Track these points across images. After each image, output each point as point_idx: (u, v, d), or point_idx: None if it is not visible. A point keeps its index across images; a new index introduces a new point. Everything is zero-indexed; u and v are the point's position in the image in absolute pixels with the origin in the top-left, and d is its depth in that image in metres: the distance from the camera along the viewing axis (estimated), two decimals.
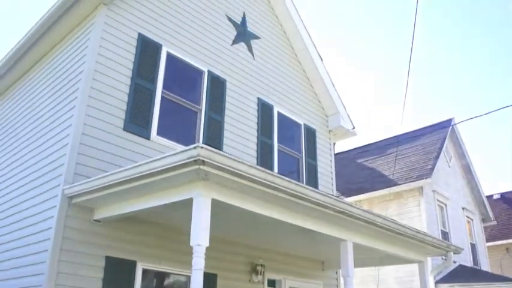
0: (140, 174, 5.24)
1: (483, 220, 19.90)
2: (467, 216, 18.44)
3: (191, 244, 4.81)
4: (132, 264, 6.74)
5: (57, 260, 6.05)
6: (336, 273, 10.43)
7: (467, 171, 19.34)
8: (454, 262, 10.05)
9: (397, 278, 14.62)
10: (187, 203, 5.04)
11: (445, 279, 14.48)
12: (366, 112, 50.34)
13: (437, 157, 16.41)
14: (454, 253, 9.30)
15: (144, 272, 6.89)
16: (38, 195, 7.04)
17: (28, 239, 6.82)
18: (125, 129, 7.22)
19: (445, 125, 17.95)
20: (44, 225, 6.48)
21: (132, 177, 5.36)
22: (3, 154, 9.09)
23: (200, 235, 4.78)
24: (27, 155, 7.99)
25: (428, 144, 17.41)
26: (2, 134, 9.61)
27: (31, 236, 6.75)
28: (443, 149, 17.13)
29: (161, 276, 7.33)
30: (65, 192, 6.30)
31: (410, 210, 15.33)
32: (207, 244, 4.81)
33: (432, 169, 15.67)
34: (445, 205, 16.80)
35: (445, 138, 17.37)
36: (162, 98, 7.89)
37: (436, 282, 14.18)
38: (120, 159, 6.94)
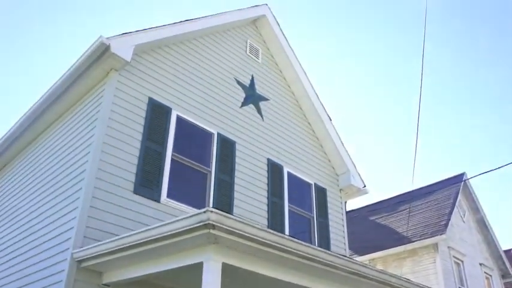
0: (150, 239, 5.23)
1: (502, 276, 19.39)
2: (485, 272, 17.99)
3: None
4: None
5: None
6: None
7: (483, 226, 19.04)
8: None
9: None
10: (198, 267, 5.00)
11: None
12: (377, 171, 50.28)
13: (450, 212, 16.22)
14: None
15: None
16: (46, 259, 7.01)
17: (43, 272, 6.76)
18: (135, 192, 7.27)
19: (457, 180, 17.85)
20: None
21: (141, 241, 5.35)
22: (11, 219, 9.11)
23: None
24: (36, 220, 8.02)
25: (441, 199, 17.26)
26: (10, 199, 9.66)
27: None
28: (457, 204, 16.96)
29: None
30: (74, 256, 6.28)
31: (425, 267, 15.01)
32: None
33: (446, 225, 15.45)
34: (462, 261, 16.43)
35: (457, 193, 17.22)
36: (172, 160, 7.97)
37: None
38: (130, 222, 6.94)
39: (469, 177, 17.82)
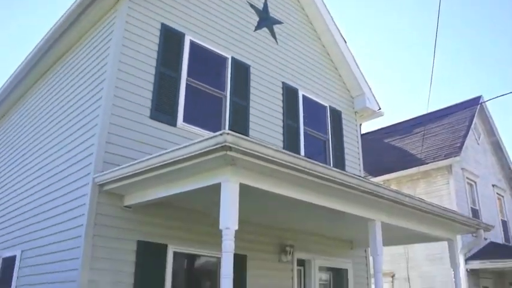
0: (168, 161, 5.35)
1: None
2: (497, 193, 18.21)
3: (220, 228, 4.91)
4: (163, 248, 6.91)
5: (91, 245, 6.24)
6: (365, 251, 10.49)
7: (497, 148, 19.06)
8: (485, 239, 10.01)
9: (427, 255, 14.58)
10: (216, 188, 5.13)
11: (475, 256, 14.39)
12: (392, 93, 49.77)
13: (465, 135, 16.21)
14: (485, 230, 9.24)
15: (175, 254, 7.05)
16: (69, 184, 7.23)
17: (63, 225, 7.03)
18: (152, 117, 7.35)
19: (474, 103, 17.68)
20: (77, 212, 6.68)
21: (160, 164, 5.47)
22: (32, 150, 9.29)
23: (229, 219, 4.88)
24: (55, 148, 8.18)
25: (457, 122, 17.19)
26: (28, 133, 9.82)
27: (65, 223, 6.96)
28: (472, 126, 16.90)
29: (192, 258, 7.51)
30: (95, 180, 6.46)
31: (439, 188, 15.23)
32: (236, 227, 4.91)
33: (461, 147, 15.49)
34: (475, 183, 16.61)
35: (473, 116, 17.12)
36: (187, 85, 7.98)
37: (467, 259, 14.11)
38: (147, 147, 7.07)
39: (485, 100, 17.63)
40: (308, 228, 8.83)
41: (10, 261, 8.57)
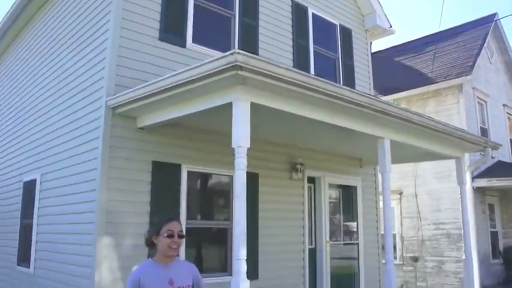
0: (179, 82, 5.40)
1: None
2: (508, 113, 18.16)
3: (233, 146, 5.04)
4: (177, 168, 7.12)
5: (107, 167, 6.44)
6: (374, 169, 10.72)
7: (510, 67, 18.78)
8: (493, 158, 10.15)
9: (435, 173, 14.83)
10: (228, 108, 5.21)
11: (483, 174, 14.62)
12: (404, 11, 48.36)
13: (478, 53, 15.93)
14: (493, 149, 9.36)
15: (189, 174, 7.29)
16: (83, 108, 7.32)
17: (79, 148, 7.21)
18: (161, 39, 7.32)
19: (488, 21, 17.21)
20: (92, 136, 6.83)
21: (171, 85, 5.53)
22: (45, 77, 9.28)
23: (241, 137, 4.99)
24: (67, 72, 8.18)
25: (469, 40, 16.84)
26: (40, 58, 9.78)
27: (81, 146, 7.13)
28: (485, 45, 16.56)
29: (205, 177, 7.76)
30: (108, 103, 6.55)
31: (449, 108, 15.20)
32: (248, 145, 5.03)
33: (473, 66, 15.28)
34: (485, 102, 16.54)
35: (487, 34, 16.73)
36: (195, 5, 7.86)
37: (474, 177, 14.35)
38: (158, 69, 7.09)
39: (500, 17, 17.16)
40: (318, 146, 9.00)
41: (31, 185, 8.88)
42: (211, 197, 8.06)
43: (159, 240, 3.26)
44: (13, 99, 10.90)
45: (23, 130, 9.92)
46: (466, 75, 14.99)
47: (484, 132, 15.96)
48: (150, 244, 3.34)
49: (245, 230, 4.91)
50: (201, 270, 7.22)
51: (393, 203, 10.46)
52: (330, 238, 9.39)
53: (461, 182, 9.03)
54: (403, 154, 8.96)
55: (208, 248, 7.83)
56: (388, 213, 6.96)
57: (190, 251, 7.16)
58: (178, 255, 3.43)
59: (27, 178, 9.22)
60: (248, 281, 4.84)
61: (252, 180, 7.71)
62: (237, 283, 4.79)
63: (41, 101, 9.09)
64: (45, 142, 8.59)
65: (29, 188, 8.96)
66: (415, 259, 15.11)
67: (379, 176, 10.78)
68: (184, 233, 3.37)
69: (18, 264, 9.13)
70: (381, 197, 10.75)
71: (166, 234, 3.24)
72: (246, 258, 4.88)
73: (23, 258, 8.88)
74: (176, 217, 3.66)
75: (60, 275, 7.23)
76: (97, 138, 6.65)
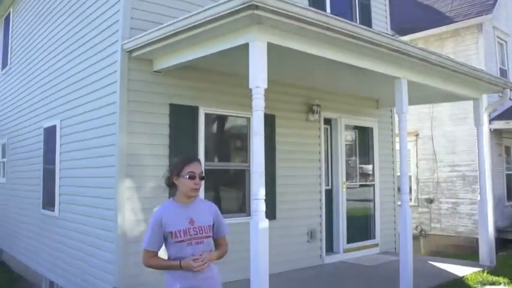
0: (195, 24, 5.36)
1: None
2: None
3: (250, 87, 5.05)
4: (195, 110, 7.19)
5: (126, 111, 6.51)
6: (390, 111, 10.71)
7: None
8: (511, 99, 10.02)
9: (451, 115, 14.73)
10: (244, 49, 5.18)
11: (500, 116, 14.49)
12: None
13: None
14: (511, 90, 9.24)
15: (207, 116, 7.37)
16: (99, 53, 7.32)
17: (97, 93, 7.27)
18: None
19: None
20: (109, 80, 6.86)
21: (187, 27, 5.49)
22: (60, 24, 9.19)
23: (258, 77, 4.99)
24: (82, 16, 8.12)
25: None
26: (54, 5, 9.71)
27: (99, 91, 7.19)
28: None
29: (223, 119, 7.85)
30: (124, 47, 6.54)
31: (467, 48, 14.89)
32: (265, 86, 5.04)
33: (494, 4, 14.83)
34: (505, 42, 16.17)
35: None
36: None
37: (491, 120, 14.23)
38: (173, 11, 6.99)
39: None
40: (335, 87, 8.98)
41: (51, 131, 9.02)
42: (228, 139, 8.16)
43: (180, 181, 3.30)
44: (30, 43, 10.91)
45: (41, 76, 9.98)
46: (486, 14, 14.59)
47: (503, 73, 15.70)
48: (171, 184, 3.38)
49: (263, 170, 5.00)
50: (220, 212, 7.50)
51: (409, 145, 10.46)
52: (346, 179, 9.51)
53: (478, 123, 8.99)
54: (420, 95, 8.91)
55: (227, 189, 8.01)
56: (404, 154, 6.99)
57: (209, 192, 7.31)
58: (198, 195, 3.48)
59: (47, 124, 9.35)
60: (267, 220, 4.99)
61: (269, 121, 7.77)
62: (256, 222, 4.93)
63: (58, 45, 9.07)
64: (63, 88, 8.65)
65: (50, 134, 9.11)
66: (430, 201, 15.27)
67: (396, 117, 10.79)
68: (204, 174, 3.41)
69: (43, 208, 9.42)
70: (397, 139, 10.82)
71: (187, 176, 3.27)
72: (264, 198, 5.00)
73: (48, 202, 9.15)
74: (197, 157, 3.63)
75: (84, 217, 7.47)
76: (115, 82, 6.69)
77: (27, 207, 10.49)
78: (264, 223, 4.93)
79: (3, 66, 13.13)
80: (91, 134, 7.39)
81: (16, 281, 10.57)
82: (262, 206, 4.93)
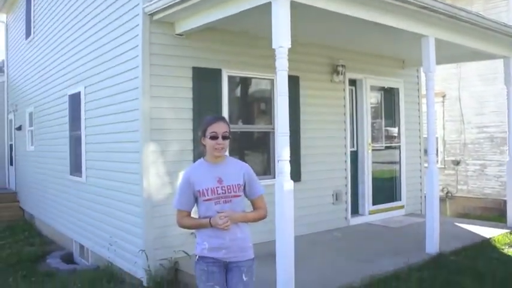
0: None
1: None
2: None
3: (273, 47, 4.96)
4: (218, 72, 7.13)
5: (149, 75, 6.47)
6: (417, 70, 10.49)
7: None
8: None
9: (479, 75, 14.34)
10: (267, 9, 5.06)
11: None
12: None
13: None
14: None
15: (230, 78, 7.30)
16: (120, 17, 7.25)
17: (119, 58, 7.25)
18: None
19: None
20: (131, 44, 6.81)
21: None
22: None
23: (281, 37, 4.88)
24: None
25: None
26: None
27: (121, 56, 7.17)
28: None
29: (246, 81, 7.78)
30: (145, 10, 6.46)
31: (497, 5, 14.39)
32: (289, 45, 4.94)
33: None
34: None
35: None
36: None
37: None
38: None
39: None
40: (360, 47, 8.79)
41: (76, 98, 9.09)
42: (252, 102, 8.12)
43: (205, 141, 3.34)
44: (52, 11, 10.90)
45: (64, 44, 9.99)
46: None
47: None
48: (201, 145, 3.42)
49: (288, 131, 4.95)
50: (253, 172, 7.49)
51: (436, 106, 10.23)
52: (372, 141, 9.40)
53: (508, 82, 8.73)
54: (448, 54, 8.66)
55: (251, 152, 8.00)
56: (431, 113, 6.84)
57: (233, 155, 7.30)
58: (226, 156, 3.50)
59: (71, 91, 9.42)
60: (292, 182, 4.96)
61: (293, 83, 7.65)
62: (280, 184, 4.91)
63: (80, 12, 9.01)
64: (86, 54, 8.65)
65: (74, 101, 9.18)
66: (457, 163, 15.06)
67: (422, 77, 10.57)
68: (229, 133, 3.37)
69: (71, 174, 9.57)
70: (423, 100, 10.62)
71: (209, 136, 3.29)
72: (289, 159, 4.96)
73: (75, 167, 9.29)
74: (222, 117, 3.62)
75: (110, 182, 7.57)
76: (136, 46, 6.64)
77: (56, 174, 10.69)
78: (289, 185, 4.91)
79: (27, 36, 13.22)
80: (115, 99, 7.40)
81: (48, 244, 10.89)
82: (287, 168, 4.91)
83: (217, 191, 3.29)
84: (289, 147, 4.94)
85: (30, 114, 13.08)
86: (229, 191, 3.31)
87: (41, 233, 12.14)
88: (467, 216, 12.56)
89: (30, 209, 13.59)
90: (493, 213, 13.18)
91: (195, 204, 3.39)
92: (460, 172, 15.05)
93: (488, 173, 14.41)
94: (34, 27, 12.44)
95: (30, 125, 13.17)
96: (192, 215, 3.41)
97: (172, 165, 6.63)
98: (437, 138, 14.84)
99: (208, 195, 3.28)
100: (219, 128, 3.31)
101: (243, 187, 3.39)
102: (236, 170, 3.42)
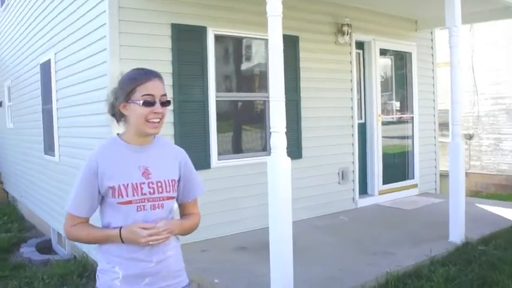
0: None
1: None
2: None
3: None
4: (203, 31, 6.03)
5: (118, 33, 5.41)
6: (431, 33, 9.30)
7: None
8: None
9: (495, 41, 13.18)
10: None
11: None
12: None
13: None
14: None
15: (217, 38, 6.21)
16: None
17: (86, 17, 6.18)
18: None
19: None
20: None
21: None
22: None
23: None
24: None
25: None
26: None
27: (88, 13, 6.08)
28: None
29: (237, 41, 6.63)
30: None
31: None
32: None
33: None
34: None
35: None
36: None
37: None
38: None
39: None
40: (368, 4, 7.66)
41: (47, 66, 8.09)
42: (244, 66, 7.00)
43: (129, 109, 2.08)
44: None
45: (34, 8, 8.93)
46: None
47: None
48: (118, 114, 2.14)
49: (282, 95, 3.90)
50: (237, 150, 6.48)
51: (444, 75, 9.14)
52: (382, 113, 8.33)
53: None
54: (476, 10, 7.53)
55: (244, 125, 6.91)
56: (456, 76, 5.76)
57: (223, 128, 6.31)
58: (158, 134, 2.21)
59: (43, 60, 8.39)
60: (288, 159, 3.91)
61: (292, 44, 6.62)
62: (274, 161, 3.87)
63: None
64: (55, 16, 7.56)
65: (45, 70, 8.17)
66: (470, 137, 14.03)
67: (437, 41, 9.47)
68: (168, 98, 2.14)
69: (45, 153, 8.59)
70: (438, 68, 9.54)
71: (142, 101, 2.04)
72: (284, 131, 3.92)
73: (49, 146, 8.30)
74: (157, 72, 2.16)
75: (84, 162, 6.53)
76: (103, 0, 5.57)
77: (33, 153, 9.69)
78: (285, 162, 3.86)
79: (2, 3, 12.15)
80: (84, 65, 6.36)
81: (27, 229, 10.01)
82: (282, 141, 3.85)
83: (141, 189, 2.09)
84: (284, 116, 3.88)
85: (9, 89, 12.03)
86: (160, 189, 2.13)
87: (23, 217, 11.21)
88: (481, 194, 11.60)
89: (13, 191, 12.62)
90: (508, 191, 12.24)
91: (99, 208, 2.16)
92: (473, 147, 14.04)
93: (504, 147, 13.42)
94: None
95: (9, 100, 12.13)
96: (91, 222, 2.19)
97: None
98: (447, 110, 13.77)
99: (127, 196, 2.06)
100: (156, 88, 2.08)
101: (177, 184, 2.24)
102: (170, 158, 2.24)
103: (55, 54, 7.64)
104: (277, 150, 3.84)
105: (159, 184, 2.12)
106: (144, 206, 2.07)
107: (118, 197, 2.05)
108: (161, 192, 2.12)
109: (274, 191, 3.84)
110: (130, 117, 2.09)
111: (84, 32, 6.27)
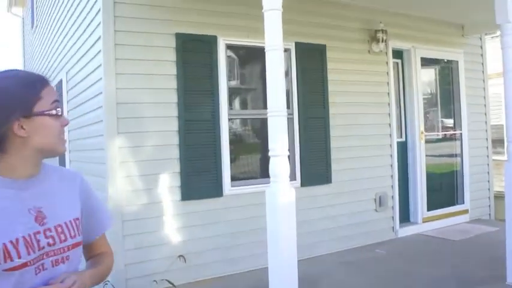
0: None
1: None
2: None
3: None
4: (212, 41, 5.33)
5: (113, 45, 4.83)
6: (480, 39, 8.26)
7: None
8: None
9: None
10: None
11: None
12: None
13: None
14: None
15: (229, 48, 5.54)
16: None
17: (84, 35, 5.66)
18: None
19: None
20: (95, 10, 5.17)
21: None
22: None
23: None
24: None
25: None
26: None
27: (87, 30, 5.56)
28: None
29: (250, 52, 5.82)
30: None
31: None
32: None
33: None
34: None
35: None
36: None
37: None
38: None
39: None
40: (407, 8, 6.79)
41: (59, 86, 7.71)
42: (259, 79, 6.21)
43: (35, 126, 1.39)
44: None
45: (51, 33, 8.72)
46: None
47: None
48: (14, 136, 1.38)
49: (283, 108, 3.14)
50: (252, 175, 5.69)
51: (497, 87, 8.07)
52: (425, 129, 7.39)
53: None
54: None
55: (261, 146, 6.12)
56: (509, 82, 4.78)
57: (237, 151, 5.60)
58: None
59: (57, 79, 8.10)
60: (292, 190, 3.12)
61: (318, 53, 5.87)
62: (272, 194, 3.09)
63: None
64: (68, 41, 7.16)
65: (59, 89, 7.80)
66: None
67: (488, 48, 8.45)
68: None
69: None
70: (490, 80, 8.51)
71: (54, 111, 1.43)
72: (287, 154, 3.13)
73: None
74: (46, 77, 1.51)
75: None
76: (99, 11, 5.00)
77: None
78: (288, 194, 3.08)
79: (32, 25, 12.51)
80: (83, 84, 5.90)
81: None
82: (284, 167, 3.07)
83: (38, 242, 1.38)
84: (286, 133, 3.10)
85: None
86: (63, 237, 1.45)
87: None
88: None
89: None
90: None
91: None
92: None
93: None
94: (36, 16, 11.42)
95: None
96: None
97: (150, 165, 4.96)
98: (502, 125, 12.56)
99: (18, 258, 1.33)
100: (55, 96, 1.47)
101: (79, 221, 1.54)
102: (65, 189, 1.55)
103: (66, 73, 7.22)
104: (278, 178, 3.06)
105: (59, 230, 1.45)
106: (43, 264, 1.39)
107: (6, 262, 1.30)
108: (64, 241, 1.45)
109: (275, 229, 3.07)
110: (32, 138, 1.40)
111: (83, 51, 5.84)
